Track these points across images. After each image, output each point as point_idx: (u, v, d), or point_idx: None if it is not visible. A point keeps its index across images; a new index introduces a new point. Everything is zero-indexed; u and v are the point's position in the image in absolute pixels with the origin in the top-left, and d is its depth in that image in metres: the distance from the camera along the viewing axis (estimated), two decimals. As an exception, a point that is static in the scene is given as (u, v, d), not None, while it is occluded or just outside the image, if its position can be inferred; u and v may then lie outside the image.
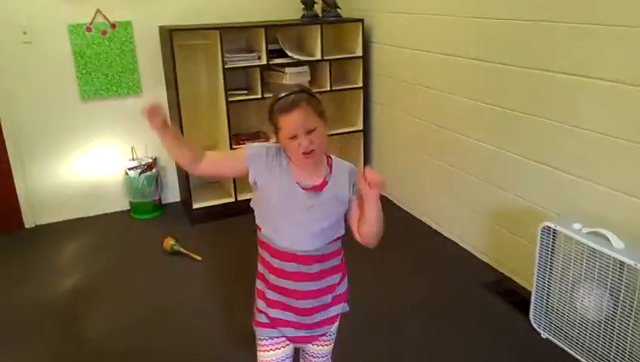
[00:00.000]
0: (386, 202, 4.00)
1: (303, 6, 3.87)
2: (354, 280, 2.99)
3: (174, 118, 3.61)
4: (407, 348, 2.41)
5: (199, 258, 3.21)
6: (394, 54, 3.69)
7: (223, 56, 3.49)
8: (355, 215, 1.54)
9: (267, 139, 3.81)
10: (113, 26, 3.59)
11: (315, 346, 1.71)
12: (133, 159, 3.82)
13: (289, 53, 3.72)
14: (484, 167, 3.00)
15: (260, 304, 1.64)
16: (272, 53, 3.67)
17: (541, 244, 2.36)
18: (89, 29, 3.55)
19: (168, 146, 1.54)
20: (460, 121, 3.14)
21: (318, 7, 3.92)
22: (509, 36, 2.68)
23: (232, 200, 3.76)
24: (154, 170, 3.82)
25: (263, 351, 1.65)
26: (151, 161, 3.82)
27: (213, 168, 1.63)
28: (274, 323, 1.62)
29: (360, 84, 3.96)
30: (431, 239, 3.44)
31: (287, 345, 1.65)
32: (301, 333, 1.64)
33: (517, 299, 2.71)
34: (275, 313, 1.61)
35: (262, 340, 1.65)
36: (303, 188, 1.52)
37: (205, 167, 1.58)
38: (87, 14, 3.52)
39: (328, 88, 3.84)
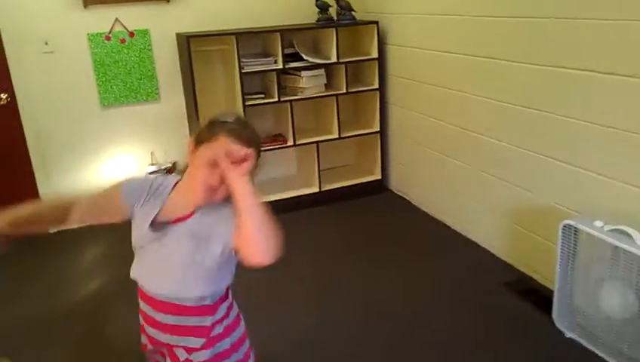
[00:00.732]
0: (404, 203, 4.00)
1: (317, 10, 3.89)
2: (372, 280, 3.05)
3: (192, 122, 3.66)
4: (429, 346, 2.41)
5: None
6: (409, 55, 3.69)
7: (239, 61, 3.53)
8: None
9: (285, 142, 3.83)
10: (131, 34, 3.65)
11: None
12: (152, 164, 3.87)
13: (305, 57, 3.74)
14: (502, 166, 2.99)
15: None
16: (288, 57, 3.69)
17: (562, 243, 2.33)
18: (108, 38, 3.61)
19: (25, 231, 1.36)
20: (477, 120, 3.13)
21: (332, 11, 3.93)
22: (525, 34, 2.66)
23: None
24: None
25: None
26: (170, 165, 3.86)
27: (88, 218, 1.44)
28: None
29: (376, 86, 3.96)
30: (450, 240, 3.42)
31: None
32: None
33: (539, 298, 2.68)
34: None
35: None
36: (159, 222, 1.33)
37: (80, 217, 1.39)
38: (106, 23, 3.59)
39: (344, 90, 3.85)
